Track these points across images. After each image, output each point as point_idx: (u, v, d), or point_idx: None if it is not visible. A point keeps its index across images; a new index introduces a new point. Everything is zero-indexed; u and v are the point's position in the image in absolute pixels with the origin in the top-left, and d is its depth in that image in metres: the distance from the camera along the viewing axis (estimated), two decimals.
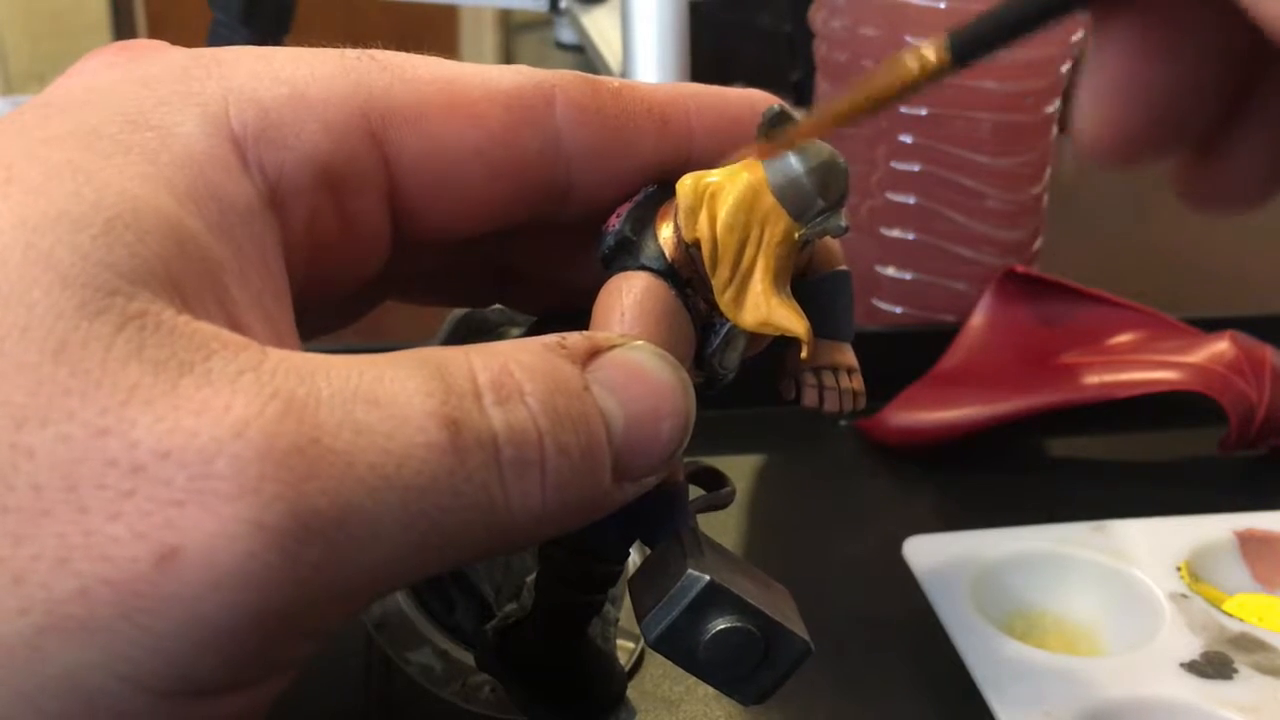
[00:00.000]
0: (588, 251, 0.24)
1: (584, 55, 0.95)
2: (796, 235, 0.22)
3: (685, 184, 0.23)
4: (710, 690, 0.33)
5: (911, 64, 0.19)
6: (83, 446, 0.16)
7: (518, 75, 0.23)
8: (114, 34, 1.85)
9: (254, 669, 0.17)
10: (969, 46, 0.19)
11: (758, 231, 0.22)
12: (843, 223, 0.22)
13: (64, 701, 0.16)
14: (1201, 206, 0.20)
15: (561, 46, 1.11)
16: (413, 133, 0.22)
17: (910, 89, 0.19)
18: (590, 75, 0.24)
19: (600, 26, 0.91)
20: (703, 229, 0.22)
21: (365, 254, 0.23)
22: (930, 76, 0.19)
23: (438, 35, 1.99)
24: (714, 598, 0.22)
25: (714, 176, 0.23)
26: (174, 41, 0.23)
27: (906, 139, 0.51)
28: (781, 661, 0.22)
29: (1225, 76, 0.18)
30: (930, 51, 0.19)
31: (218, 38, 0.81)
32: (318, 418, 0.17)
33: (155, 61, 0.22)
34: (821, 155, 0.22)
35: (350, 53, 0.23)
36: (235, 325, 0.19)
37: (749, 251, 0.23)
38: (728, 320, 0.23)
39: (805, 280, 0.25)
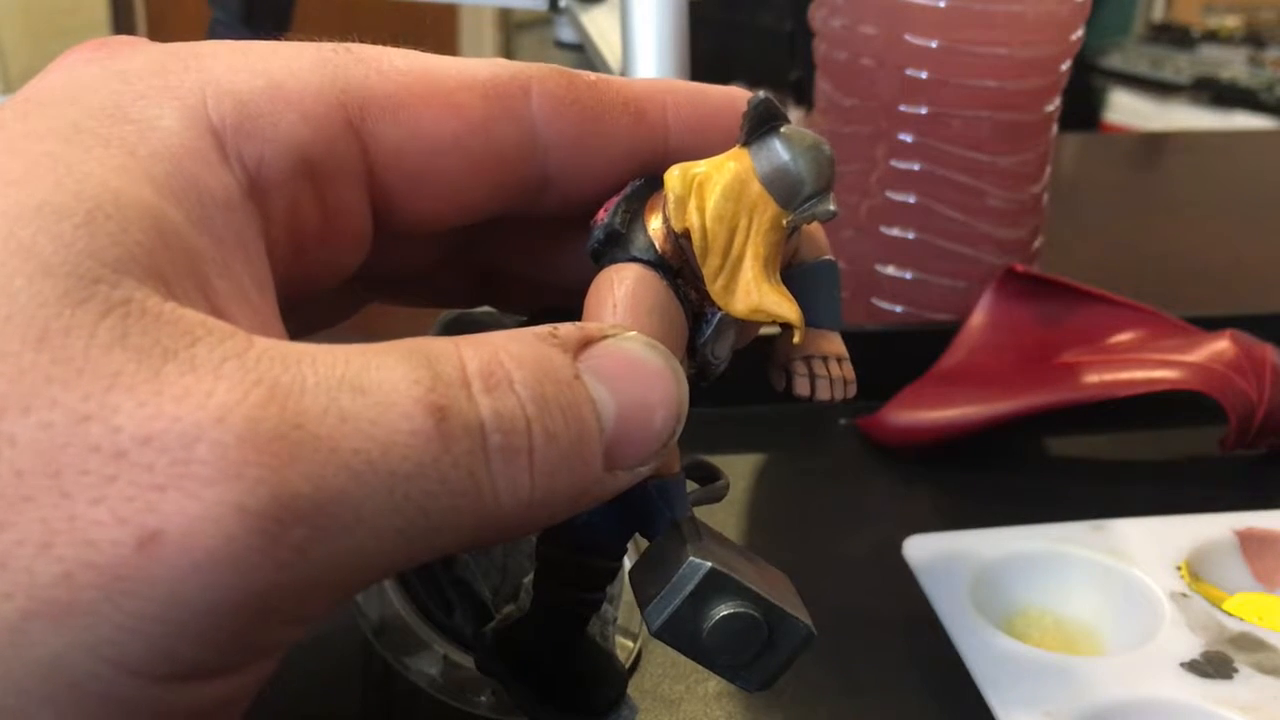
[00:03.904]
0: (568, 247, 0.24)
1: (584, 54, 0.95)
2: (785, 222, 0.23)
3: (673, 174, 0.23)
4: (710, 690, 0.33)
5: None
6: (65, 433, 0.16)
7: (494, 66, 0.24)
8: (114, 34, 1.85)
9: (237, 652, 0.17)
10: None
11: (746, 219, 0.22)
12: (831, 207, 0.22)
13: (49, 685, 0.16)
14: None
15: (561, 45, 1.11)
16: (391, 122, 0.22)
17: None
18: (567, 69, 0.24)
19: (600, 26, 0.91)
20: (692, 218, 0.23)
21: (347, 245, 0.23)
22: None
23: (437, 35, 1.99)
24: (716, 584, 0.22)
25: (701, 166, 0.23)
26: (174, 41, 0.23)
27: (906, 137, 0.50)
28: (784, 647, 0.22)
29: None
30: None
31: (217, 37, 0.81)
32: (302, 404, 0.17)
33: (133, 56, 0.22)
34: (806, 141, 0.22)
35: (326, 45, 0.23)
36: (219, 315, 0.19)
37: (738, 239, 0.23)
38: (719, 309, 0.23)
39: (792, 269, 0.25)
